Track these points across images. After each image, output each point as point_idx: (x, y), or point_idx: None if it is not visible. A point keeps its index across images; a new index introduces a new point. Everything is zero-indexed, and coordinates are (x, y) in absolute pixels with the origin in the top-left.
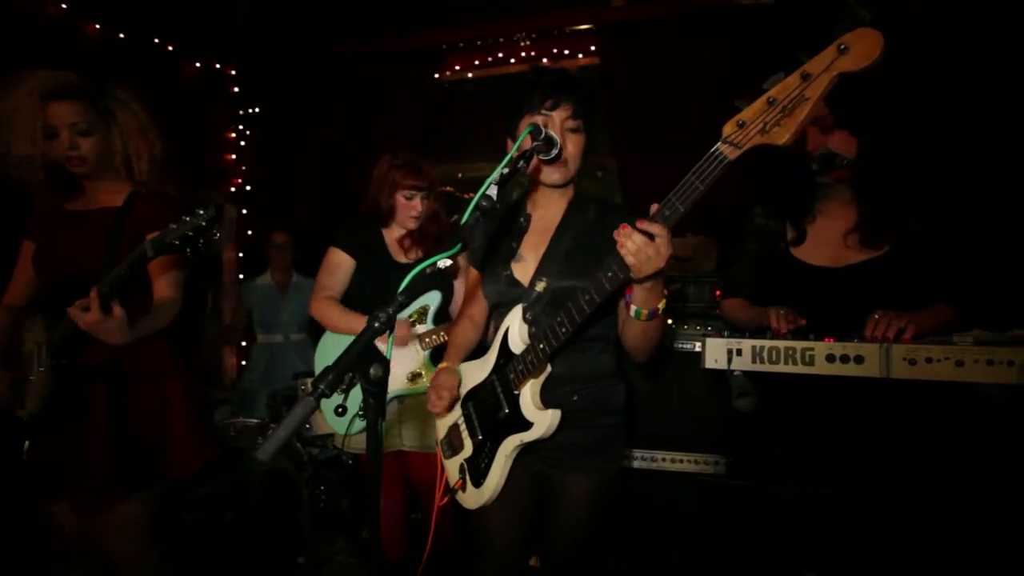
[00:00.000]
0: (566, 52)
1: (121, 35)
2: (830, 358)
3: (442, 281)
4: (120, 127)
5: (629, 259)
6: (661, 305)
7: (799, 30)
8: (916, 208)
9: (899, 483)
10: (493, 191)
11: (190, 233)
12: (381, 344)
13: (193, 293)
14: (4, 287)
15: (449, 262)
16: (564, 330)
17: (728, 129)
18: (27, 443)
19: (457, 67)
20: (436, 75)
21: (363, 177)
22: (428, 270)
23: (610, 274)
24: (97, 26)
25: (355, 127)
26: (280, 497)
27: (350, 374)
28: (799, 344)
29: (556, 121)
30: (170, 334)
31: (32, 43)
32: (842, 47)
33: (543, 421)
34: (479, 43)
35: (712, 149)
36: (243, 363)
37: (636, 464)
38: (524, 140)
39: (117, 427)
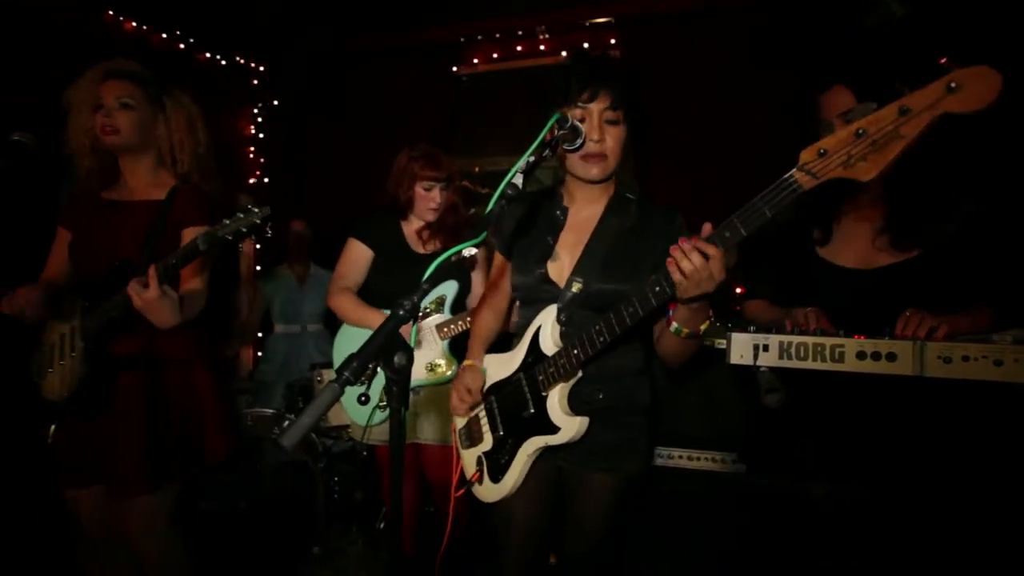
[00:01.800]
0: (585, 45)
1: (144, 27)
2: (860, 355)
3: (459, 271)
4: (168, 118)
5: (677, 277)
6: (704, 327)
7: (825, 23)
8: (953, 209)
9: (925, 484)
10: (519, 180)
11: (244, 229)
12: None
13: (219, 285)
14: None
15: (475, 250)
16: (602, 339)
17: (806, 156)
18: (52, 427)
19: (475, 61)
20: (454, 68)
21: (380, 171)
22: (453, 258)
23: (657, 289)
24: (134, 24)
25: (373, 121)
26: (295, 487)
27: (374, 362)
28: (828, 340)
29: (594, 113)
30: (199, 325)
31: (55, 37)
32: (952, 85)
33: (570, 427)
34: (497, 36)
35: (786, 175)
36: (259, 353)
37: (655, 462)
38: (550, 129)
39: (152, 415)
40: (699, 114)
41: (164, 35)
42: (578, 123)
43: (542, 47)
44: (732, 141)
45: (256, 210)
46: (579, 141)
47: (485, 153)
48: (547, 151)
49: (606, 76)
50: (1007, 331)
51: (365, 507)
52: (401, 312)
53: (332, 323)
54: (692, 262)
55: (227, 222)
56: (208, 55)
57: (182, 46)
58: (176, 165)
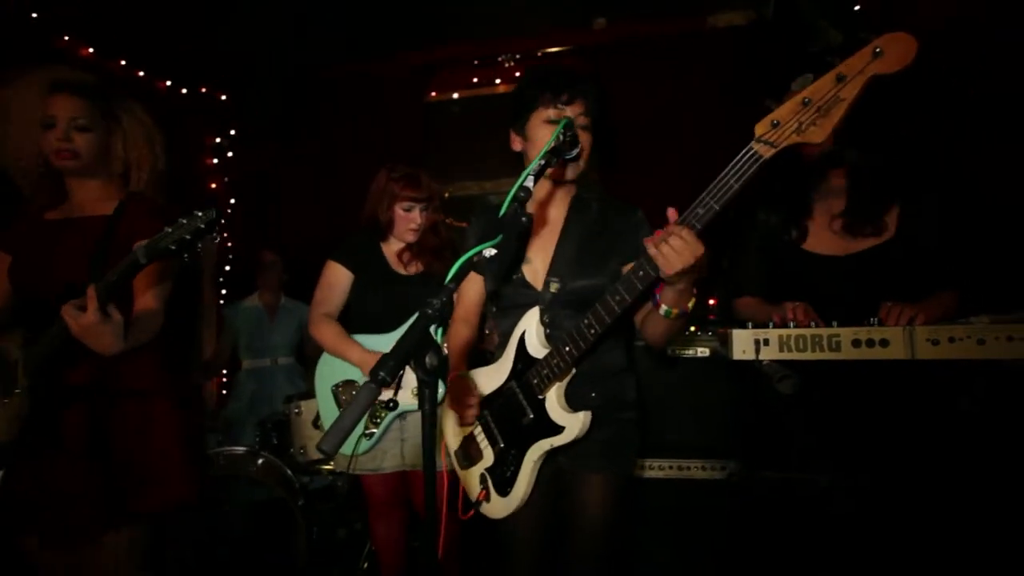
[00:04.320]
0: None
1: (103, 56)
2: (856, 343)
3: None
4: (124, 133)
5: (660, 260)
6: (690, 304)
7: (774, 51)
8: (917, 198)
9: (927, 471)
10: (530, 182)
11: (187, 236)
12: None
13: (182, 311)
14: None
15: (494, 251)
16: (592, 331)
17: (761, 128)
18: (1, 472)
19: (443, 88)
20: (422, 96)
21: (350, 198)
22: (475, 259)
23: (641, 273)
24: (91, 49)
25: (342, 148)
26: (272, 528)
27: (408, 363)
28: (825, 331)
29: (570, 116)
30: (157, 352)
31: (24, 64)
32: (877, 50)
33: (575, 424)
34: (465, 64)
35: (746, 148)
36: (223, 392)
37: (644, 474)
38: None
39: (97, 453)
40: (666, 140)
41: (124, 63)
42: (578, 135)
43: (509, 74)
44: (700, 167)
45: (200, 213)
46: (575, 151)
47: (454, 179)
48: (555, 158)
49: (584, 84)
50: (980, 316)
51: (347, 546)
52: (430, 312)
53: (302, 356)
54: (670, 244)
55: (168, 229)
56: (177, 86)
57: (152, 76)
58: (131, 182)
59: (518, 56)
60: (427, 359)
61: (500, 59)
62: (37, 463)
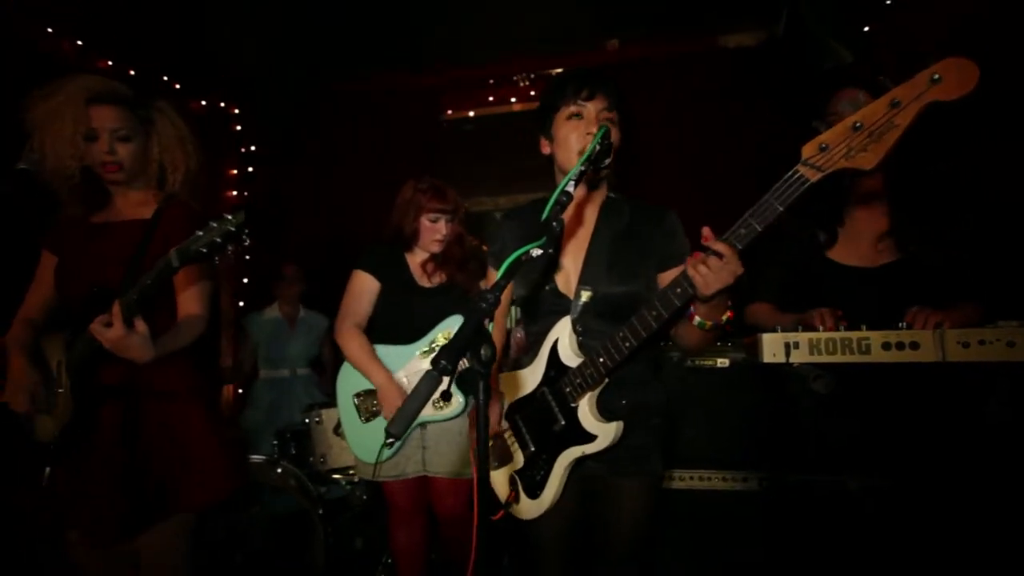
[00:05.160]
0: None
1: (131, 72)
2: (886, 346)
3: (467, 303)
4: (159, 136)
5: (698, 280)
6: (725, 317)
7: (785, 71)
8: (953, 212)
9: (953, 473)
10: (571, 187)
11: (218, 239)
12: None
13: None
14: (12, 295)
15: (540, 251)
16: (628, 344)
17: (808, 151)
18: (47, 469)
19: (458, 106)
20: (437, 113)
21: (364, 211)
22: (523, 258)
23: (679, 290)
24: (109, 63)
25: (357, 164)
26: (290, 537)
27: (464, 354)
28: (855, 334)
29: (592, 112)
30: (193, 353)
31: (45, 79)
32: (935, 77)
33: (607, 434)
34: (479, 82)
35: (791, 171)
36: (241, 401)
37: (664, 484)
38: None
39: (129, 451)
40: (668, 158)
41: (151, 78)
42: (611, 145)
43: (523, 93)
44: (700, 185)
45: (230, 217)
46: (607, 160)
47: (468, 195)
48: (591, 166)
49: (604, 80)
50: (1009, 321)
51: (363, 556)
52: (484, 306)
53: (319, 367)
54: (708, 266)
55: (200, 234)
56: (194, 99)
57: (168, 89)
58: (167, 184)
59: (532, 76)
60: (482, 351)
61: (515, 78)
62: (74, 461)
